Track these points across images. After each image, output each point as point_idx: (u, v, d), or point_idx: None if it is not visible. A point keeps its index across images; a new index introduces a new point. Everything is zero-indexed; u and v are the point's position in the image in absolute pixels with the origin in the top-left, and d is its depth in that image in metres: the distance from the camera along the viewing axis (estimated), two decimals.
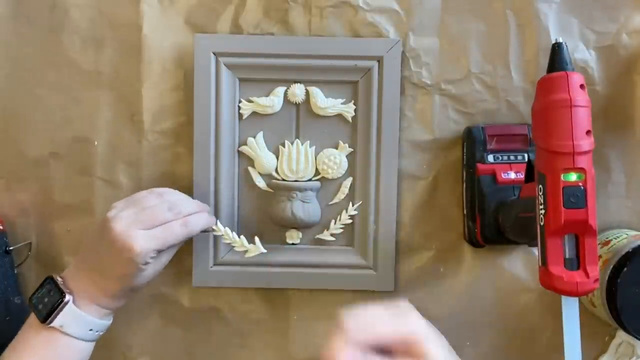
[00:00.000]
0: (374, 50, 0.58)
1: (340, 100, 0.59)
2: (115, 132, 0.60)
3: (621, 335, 0.60)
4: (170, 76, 0.60)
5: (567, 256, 0.45)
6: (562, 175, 0.44)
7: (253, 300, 0.61)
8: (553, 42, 0.46)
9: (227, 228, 0.57)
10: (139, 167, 0.61)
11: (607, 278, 0.54)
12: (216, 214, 0.59)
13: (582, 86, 0.45)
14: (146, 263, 0.50)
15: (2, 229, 0.59)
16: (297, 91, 0.59)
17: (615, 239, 0.56)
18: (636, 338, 0.53)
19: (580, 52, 0.59)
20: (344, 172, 0.60)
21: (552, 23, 0.59)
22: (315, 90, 0.59)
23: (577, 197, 0.44)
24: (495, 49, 0.59)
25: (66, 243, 0.61)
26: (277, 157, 0.60)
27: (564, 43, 0.46)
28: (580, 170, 0.44)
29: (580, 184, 0.44)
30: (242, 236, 0.57)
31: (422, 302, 0.60)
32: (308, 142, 0.60)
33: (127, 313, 0.61)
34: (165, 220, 0.51)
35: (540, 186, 0.45)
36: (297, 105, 0.59)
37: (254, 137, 0.60)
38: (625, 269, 0.52)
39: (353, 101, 0.59)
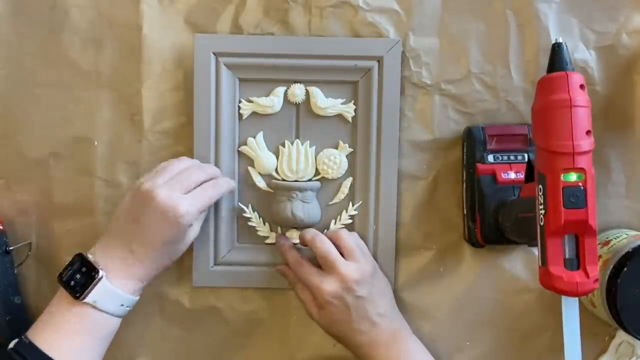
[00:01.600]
0: (374, 50, 0.58)
1: (340, 100, 0.59)
2: (115, 132, 0.60)
3: (621, 335, 0.60)
4: (170, 76, 0.60)
5: (567, 256, 0.45)
6: (562, 176, 0.44)
7: (253, 300, 0.61)
8: (553, 42, 0.46)
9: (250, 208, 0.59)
10: (139, 167, 0.61)
11: (607, 278, 0.54)
12: (216, 213, 0.59)
13: (582, 86, 0.45)
14: (190, 225, 0.53)
15: (2, 229, 0.59)
16: (297, 91, 0.59)
17: (615, 239, 0.56)
18: (636, 338, 0.53)
19: (580, 52, 0.59)
20: (344, 172, 0.60)
21: (552, 23, 0.59)
22: (315, 90, 0.59)
23: (577, 197, 0.44)
24: (495, 49, 0.59)
25: (66, 243, 0.61)
26: (277, 157, 0.60)
27: (564, 43, 0.46)
28: (580, 170, 0.44)
29: (580, 184, 0.44)
30: (267, 222, 0.60)
31: (422, 301, 0.60)
32: (308, 142, 0.60)
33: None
34: (199, 181, 0.54)
35: (540, 186, 0.45)
36: (297, 105, 0.59)
37: (254, 137, 0.60)
38: (625, 269, 0.53)
39: (353, 101, 0.59)
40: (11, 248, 0.59)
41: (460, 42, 0.59)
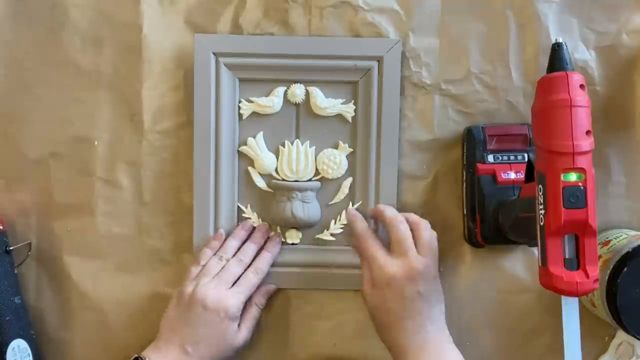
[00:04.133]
0: (374, 50, 0.58)
1: (340, 100, 0.59)
2: (115, 132, 0.60)
3: (621, 335, 0.60)
4: (170, 76, 0.60)
5: (567, 256, 0.45)
6: (562, 175, 0.44)
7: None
8: (553, 42, 0.46)
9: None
10: (139, 167, 0.61)
11: (607, 278, 0.54)
12: (216, 213, 0.59)
13: (582, 86, 0.45)
14: (237, 318, 0.56)
15: (2, 229, 0.59)
16: (297, 91, 0.59)
17: (615, 239, 0.56)
18: (636, 338, 0.53)
19: (580, 52, 0.59)
20: (344, 172, 0.60)
21: (552, 23, 0.59)
22: (315, 90, 0.59)
23: (577, 197, 0.44)
24: (495, 49, 0.59)
25: (66, 243, 0.61)
26: (277, 157, 0.60)
27: (563, 43, 0.46)
28: (580, 170, 0.44)
29: (580, 184, 0.44)
30: (266, 222, 0.60)
31: None
32: (308, 142, 0.60)
33: (128, 313, 0.61)
34: (239, 274, 0.57)
35: (540, 186, 0.45)
36: (297, 105, 0.59)
37: (254, 137, 0.60)
38: (625, 269, 0.52)
39: (353, 101, 0.59)
40: (11, 248, 0.59)
41: (460, 42, 0.59)
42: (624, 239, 0.56)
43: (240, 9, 0.59)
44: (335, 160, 0.59)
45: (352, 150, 0.59)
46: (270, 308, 0.61)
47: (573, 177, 0.44)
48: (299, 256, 0.60)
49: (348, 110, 0.59)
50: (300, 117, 0.60)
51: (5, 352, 0.56)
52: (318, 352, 0.61)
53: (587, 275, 0.44)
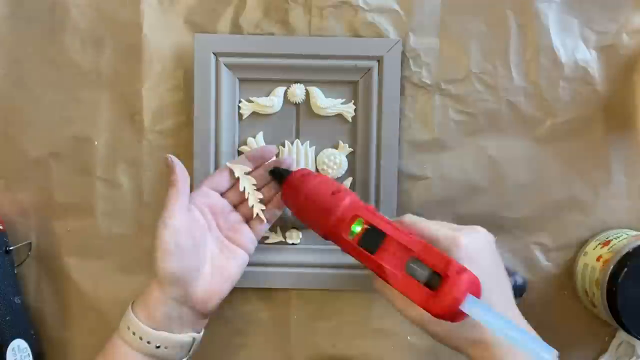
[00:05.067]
0: (374, 50, 0.58)
1: (340, 100, 0.59)
2: (115, 132, 0.60)
3: (621, 335, 0.60)
4: (170, 76, 0.60)
5: (425, 279, 0.41)
6: (350, 235, 0.44)
7: (253, 300, 0.61)
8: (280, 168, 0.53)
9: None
10: (139, 167, 0.61)
11: (607, 278, 0.54)
12: None
13: (306, 174, 0.49)
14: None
15: (2, 229, 0.59)
16: (297, 91, 0.59)
17: (615, 239, 0.56)
18: (636, 338, 0.53)
19: (581, 52, 0.59)
20: (344, 172, 0.60)
21: (552, 23, 0.59)
22: (315, 90, 0.59)
23: (370, 240, 0.43)
24: (496, 49, 0.59)
25: (66, 243, 0.61)
26: (277, 157, 0.60)
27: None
28: (352, 221, 0.44)
29: (366, 226, 0.43)
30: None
31: None
32: (308, 142, 0.60)
33: None
34: None
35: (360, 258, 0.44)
36: (297, 105, 0.59)
37: (254, 137, 0.59)
38: (625, 269, 0.52)
39: (353, 101, 0.59)
40: (11, 248, 0.59)
41: (460, 42, 0.59)
42: (624, 239, 0.56)
43: (240, 9, 0.59)
44: (335, 160, 0.59)
45: (352, 150, 0.59)
46: (270, 308, 0.61)
47: (357, 228, 0.44)
48: (299, 256, 0.60)
49: (348, 110, 0.59)
50: (300, 117, 0.60)
51: (5, 352, 0.56)
52: (318, 352, 0.61)
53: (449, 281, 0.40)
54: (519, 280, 0.58)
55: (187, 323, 0.52)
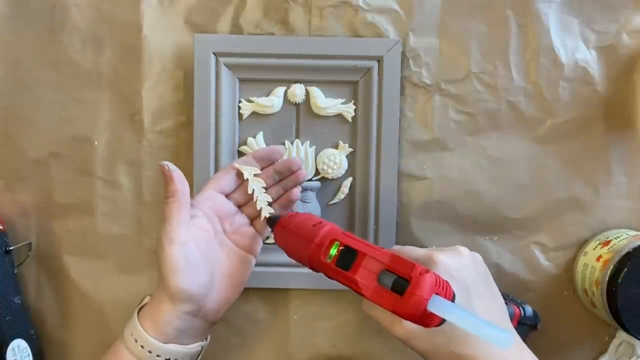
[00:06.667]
0: (374, 50, 0.58)
1: (340, 100, 0.59)
2: (115, 132, 0.61)
3: (621, 335, 0.60)
4: (170, 76, 0.60)
5: (392, 285, 0.41)
6: (328, 259, 0.45)
7: (253, 300, 0.61)
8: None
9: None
10: (139, 167, 0.61)
11: (607, 278, 0.54)
12: None
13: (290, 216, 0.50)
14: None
15: (2, 229, 0.59)
16: (297, 91, 0.59)
17: (615, 239, 0.56)
18: (636, 338, 0.53)
19: (581, 52, 0.59)
20: (344, 172, 0.60)
21: (552, 23, 0.59)
22: (315, 90, 0.59)
23: (345, 260, 0.44)
24: (496, 49, 0.59)
25: (66, 243, 0.61)
26: None
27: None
28: (330, 245, 0.45)
29: (338, 250, 0.45)
30: None
31: None
32: (308, 142, 0.60)
33: (128, 313, 0.61)
34: None
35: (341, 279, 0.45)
36: (297, 105, 0.59)
37: (254, 137, 0.59)
38: (625, 269, 0.52)
39: (353, 101, 0.59)
40: (11, 248, 0.59)
41: (460, 42, 0.59)
42: (624, 239, 0.56)
43: (240, 9, 0.59)
44: (335, 160, 0.59)
45: (352, 150, 0.59)
46: (270, 308, 0.61)
47: (334, 251, 0.45)
48: None
49: (348, 110, 0.59)
50: (300, 117, 0.60)
51: (5, 352, 0.56)
52: (318, 352, 0.61)
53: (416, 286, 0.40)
54: (529, 312, 0.56)
55: (198, 333, 0.51)
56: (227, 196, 0.54)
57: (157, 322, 0.48)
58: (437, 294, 0.39)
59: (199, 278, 0.49)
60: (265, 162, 0.55)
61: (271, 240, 0.60)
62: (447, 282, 0.41)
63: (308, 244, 0.46)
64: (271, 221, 0.53)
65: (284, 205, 0.55)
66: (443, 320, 0.40)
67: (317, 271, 0.47)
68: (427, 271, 0.40)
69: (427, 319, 0.40)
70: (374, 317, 0.46)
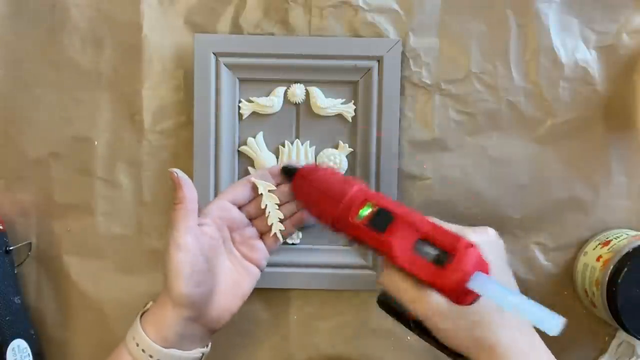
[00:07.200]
0: (374, 50, 0.58)
1: (340, 100, 0.59)
2: (115, 132, 0.61)
3: (621, 335, 0.60)
4: (170, 76, 0.60)
5: (433, 257, 0.41)
6: (356, 218, 0.43)
7: (253, 300, 0.61)
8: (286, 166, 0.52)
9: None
10: (139, 167, 0.61)
11: (607, 278, 0.54)
12: None
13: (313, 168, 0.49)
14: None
15: (2, 229, 0.59)
16: (297, 91, 0.59)
17: (615, 239, 0.56)
18: (636, 338, 0.53)
19: (581, 52, 0.59)
20: (343, 172, 0.60)
21: (552, 23, 0.59)
22: (315, 90, 0.59)
23: (378, 221, 0.43)
24: (496, 49, 0.59)
25: (66, 243, 0.61)
26: (277, 157, 0.60)
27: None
28: (361, 205, 0.44)
29: (372, 212, 0.43)
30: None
31: None
32: (308, 142, 0.60)
33: (128, 313, 0.61)
34: None
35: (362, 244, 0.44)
36: (297, 105, 0.59)
37: (254, 137, 0.59)
38: (625, 269, 0.52)
39: (353, 101, 0.59)
40: (11, 248, 0.59)
41: (460, 42, 0.59)
42: (624, 239, 0.56)
43: (240, 9, 0.59)
44: (335, 160, 0.59)
45: (352, 150, 0.59)
46: (270, 308, 0.61)
47: (364, 212, 0.44)
48: (299, 256, 0.60)
49: (348, 110, 0.59)
50: (300, 117, 0.60)
51: (5, 352, 0.56)
52: (318, 352, 0.61)
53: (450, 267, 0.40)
54: None
55: (198, 340, 0.51)
56: (240, 208, 0.55)
57: (159, 327, 0.49)
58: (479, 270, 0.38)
59: (202, 285, 0.49)
60: (282, 179, 0.55)
61: None
62: (486, 260, 0.39)
63: (334, 202, 0.44)
64: (288, 170, 0.52)
65: (296, 222, 0.55)
66: (475, 300, 0.39)
67: (339, 231, 0.45)
68: (472, 245, 0.39)
69: (463, 296, 0.39)
70: (394, 289, 0.44)
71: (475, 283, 0.38)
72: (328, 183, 0.46)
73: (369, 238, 0.43)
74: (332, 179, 0.47)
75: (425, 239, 0.40)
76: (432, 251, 0.40)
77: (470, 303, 0.40)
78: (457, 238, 0.39)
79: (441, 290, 0.39)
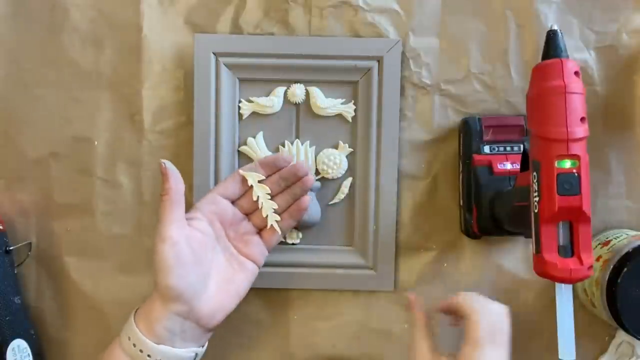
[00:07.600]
0: (374, 50, 0.58)
1: (340, 100, 0.59)
2: (115, 132, 0.61)
3: (621, 335, 0.60)
4: (170, 76, 0.60)
5: (561, 243, 0.44)
6: (556, 162, 0.43)
7: (253, 300, 0.61)
8: (548, 29, 0.46)
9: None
10: (139, 167, 0.61)
11: (607, 278, 0.54)
12: None
13: (576, 73, 0.44)
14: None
15: (2, 229, 0.59)
16: (297, 91, 0.59)
17: (615, 239, 0.56)
18: (636, 338, 0.53)
19: (580, 52, 0.59)
20: (344, 172, 0.60)
21: (552, 23, 0.58)
22: (315, 90, 0.59)
23: (571, 184, 0.43)
24: (495, 49, 0.59)
25: (66, 243, 0.61)
26: None
27: (558, 30, 0.45)
28: (575, 157, 0.44)
29: (575, 170, 0.43)
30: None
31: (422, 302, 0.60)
32: (308, 142, 0.60)
33: (128, 313, 0.61)
34: None
35: (535, 174, 0.45)
36: (297, 105, 0.59)
37: (254, 137, 0.60)
38: (625, 269, 0.52)
39: (353, 101, 0.59)
40: (11, 248, 0.59)
41: (460, 42, 0.59)
42: (624, 239, 0.56)
43: (240, 9, 0.59)
44: (335, 160, 0.59)
45: (352, 150, 0.59)
46: (270, 308, 0.61)
47: (567, 163, 0.44)
48: (299, 256, 0.60)
49: (348, 110, 0.59)
50: (300, 117, 0.60)
51: (5, 352, 0.56)
52: (318, 352, 0.61)
53: (582, 262, 0.44)
54: None
55: (190, 338, 0.50)
56: (233, 203, 0.54)
57: (149, 321, 0.49)
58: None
59: (188, 277, 0.49)
60: (271, 169, 0.55)
61: None
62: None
63: (559, 127, 0.44)
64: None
65: (294, 214, 0.55)
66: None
67: (529, 152, 0.47)
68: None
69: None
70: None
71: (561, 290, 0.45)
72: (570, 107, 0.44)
73: (548, 195, 0.44)
74: (576, 104, 0.44)
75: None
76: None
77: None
78: None
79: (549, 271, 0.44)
